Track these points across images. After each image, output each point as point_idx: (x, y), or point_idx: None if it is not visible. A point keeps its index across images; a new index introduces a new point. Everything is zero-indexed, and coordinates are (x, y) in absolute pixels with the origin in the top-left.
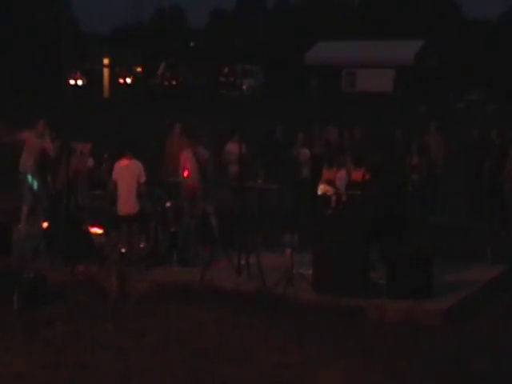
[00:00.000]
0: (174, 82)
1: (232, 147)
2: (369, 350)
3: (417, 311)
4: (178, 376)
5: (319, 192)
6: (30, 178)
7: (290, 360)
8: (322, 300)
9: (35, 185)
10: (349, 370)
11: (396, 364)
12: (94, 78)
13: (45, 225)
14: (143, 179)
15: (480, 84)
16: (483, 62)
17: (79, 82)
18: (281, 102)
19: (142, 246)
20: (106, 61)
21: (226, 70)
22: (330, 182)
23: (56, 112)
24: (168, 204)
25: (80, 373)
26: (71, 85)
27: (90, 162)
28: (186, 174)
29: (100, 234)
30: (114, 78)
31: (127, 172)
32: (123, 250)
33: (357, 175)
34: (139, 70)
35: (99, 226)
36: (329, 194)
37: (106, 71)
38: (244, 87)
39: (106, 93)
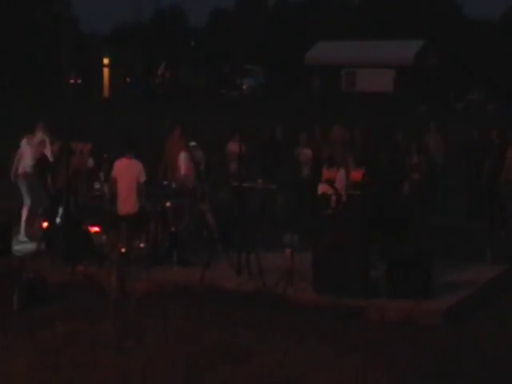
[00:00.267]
0: (173, 82)
1: (233, 147)
2: (369, 349)
3: (417, 311)
4: (178, 376)
5: (319, 192)
6: (29, 177)
7: (290, 360)
8: (322, 300)
9: (35, 185)
10: (349, 370)
11: (396, 364)
12: (93, 78)
13: (45, 225)
14: (143, 179)
15: (480, 84)
16: (483, 62)
17: (79, 81)
18: (281, 102)
19: (141, 245)
20: (106, 61)
21: (225, 69)
22: (330, 182)
23: (56, 112)
24: (168, 204)
25: (80, 373)
26: (71, 85)
27: (90, 161)
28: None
29: (100, 234)
30: (114, 77)
31: (127, 172)
32: (123, 250)
33: (357, 175)
34: (139, 69)
35: (99, 226)
36: (329, 193)
37: (105, 71)
38: (244, 87)
39: (106, 93)
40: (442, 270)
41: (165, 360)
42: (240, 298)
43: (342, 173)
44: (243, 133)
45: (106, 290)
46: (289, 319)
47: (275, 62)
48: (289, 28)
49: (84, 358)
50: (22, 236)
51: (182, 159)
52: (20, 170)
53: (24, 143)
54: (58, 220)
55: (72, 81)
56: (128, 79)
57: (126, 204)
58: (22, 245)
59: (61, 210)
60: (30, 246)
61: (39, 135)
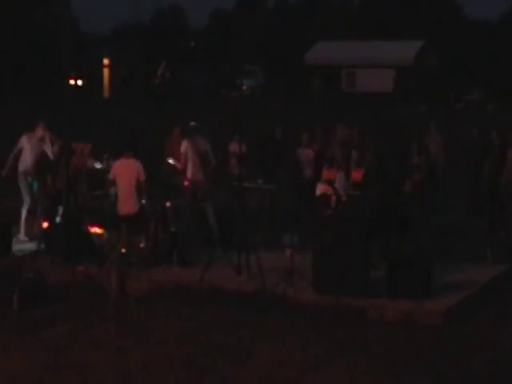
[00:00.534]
0: (173, 82)
1: (234, 147)
2: (369, 349)
3: (417, 311)
4: (178, 376)
5: (318, 192)
6: (29, 177)
7: (290, 360)
8: (322, 300)
9: (34, 185)
10: (349, 370)
11: (396, 364)
12: (93, 78)
13: (45, 225)
14: (142, 179)
15: (480, 84)
16: (483, 62)
17: (79, 82)
18: (281, 102)
19: (142, 245)
20: (106, 61)
21: (225, 69)
22: (330, 182)
23: (56, 112)
24: (168, 204)
25: (80, 373)
26: (71, 85)
27: (90, 162)
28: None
29: (100, 234)
30: (113, 77)
31: (126, 171)
32: (123, 250)
33: (357, 175)
34: (139, 69)
35: (99, 226)
36: (329, 193)
37: (105, 71)
38: (244, 87)
39: (106, 93)
40: (441, 270)
41: (165, 360)
42: (240, 297)
43: (341, 174)
44: (243, 133)
45: (106, 289)
46: (289, 319)
47: (275, 62)
48: (289, 28)
49: (84, 358)
50: (21, 235)
51: (183, 149)
52: (20, 168)
53: (24, 140)
54: (57, 220)
55: (72, 81)
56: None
57: (126, 204)
58: (22, 244)
59: (61, 210)
60: (30, 246)
61: (39, 132)
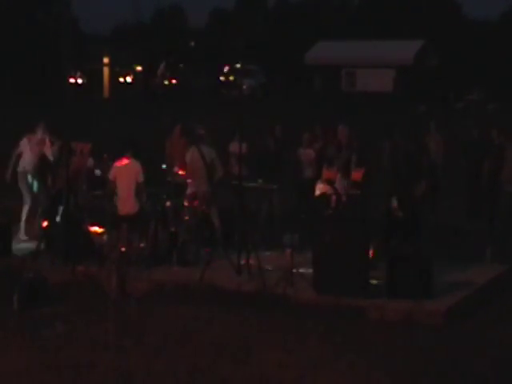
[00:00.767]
0: (173, 82)
1: (234, 147)
2: (369, 349)
3: (417, 311)
4: (178, 376)
5: (317, 192)
6: (29, 177)
7: (290, 360)
8: (322, 300)
9: (35, 185)
10: (349, 370)
11: (396, 364)
12: (94, 78)
13: (45, 225)
14: (141, 180)
15: (480, 84)
16: (483, 62)
17: (79, 81)
18: (281, 102)
19: (142, 245)
20: (106, 60)
21: (225, 69)
22: (330, 182)
23: (56, 112)
24: (168, 204)
25: (80, 373)
26: (71, 84)
27: (90, 161)
28: (181, 171)
29: (100, 234)
30: (114, 77)
31: (126, 172)
32: (123, 250)
33: (357, 175)
34: (139, 69)
35: (99, 226)
36: (328, 193)
37: (106, 70)
38: (244, 87)
39: (106, 92)
40: (441, 270)
41: (165, 360)
42: (240, 297)
43: (341, 174)
44: (244, 133)
45: (106, 289)
46: (289, 319)
47: (275, 62)
48: (289, 28)
49: (84, 358)
50: (22, 235)
51: (189, 156)
52: (19, 169)
53: (24, 142)
54: (57, 219)
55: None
56: (128, 79)
57: (126, 204)
58: (22, 244)
59: (61, 210)
60: (30, 246)
61: (39, 134)
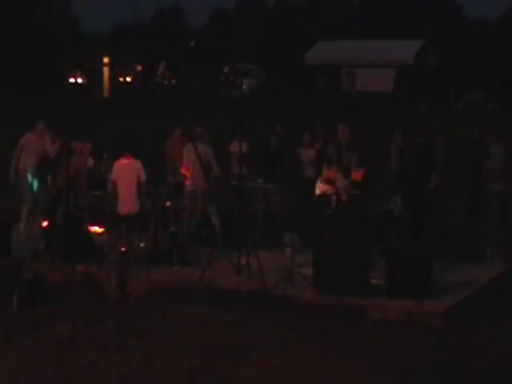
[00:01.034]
0: (173, 82)
1: (235, 147)
2: (369, 349)
3: (417, 311)
4: (178, 376)
5: (317, 191)
6: (29, 177)
7: (290, 360)
8: (323, 300)
9: (35, 185)
10: (349, 370)
11: (396, 364)
12: (93, 77)
13: (45, 225)
14: (143, 178)
15: (480, 84)
16: (483, 62)
17: (79, 81)
18: (282, 102)
19: (141, 245)
20: (106, 60)
21: (225, 69)
22: (330, 182)
23: (56, 111)
24: (168, 203)
25: (80, 373)
26: (71, 84)
27: (90, 161)
28: (184, 171)
29: (100, 234)
30: (114, 77)
31: (127, 171)
32: (123, 250)
33: (357, 175)
34: (139, 69)
35: (99, 226)
36: (328, 193)
37: (106, 70)
38: (244, 87)
39: (106, 92)
40: (441, 270)
41: (165, 360)
42: (240, 297)
43: (341, 173)
44: (244, 133)
45: (106, 289)
46: (289, 319)
47: (275, 62)
48: (289, 28)
49: (84, 358)
50: (21, 234)
51: (186, 155)
52: (20, 167)
53: (24, 140)
54: (57, 219)
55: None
56: (128, 79)
57: (126, 204)
58: (22, 244)
59: (61, 210)
60: (30, 246)
61: (39, 130)
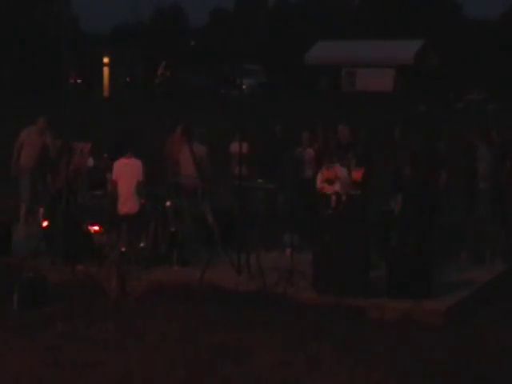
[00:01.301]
0: (173, 82)
1: (235, 147)
2: (369, 349)
3: (417, 311)
4: (178, 376)
5: (318, 183)
6: (29, 175)
7: (290, 360)
8: (323, 300)
9: (39, 186)
10: (349, 370)
11: (396, 363)
12: (93, 77)
13: (45, 225)
14: (141, 179)
15: (480, 84)
16: (483, 62)
17: (79, 81)
18: (282, 102)
19: (142, 245)
20: (105, 60)
21: (225, 69)
22: (330, 182)
23: (56, 111)
24: (168, 204)
25: (80, 372)
26: (71, 84)
27: (90, 161)
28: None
29: (100, 234)
30: (113, 77)
31: (127, 171)
32: (123, 250)
33: (357, 175)
34: (139, 69)
35: (99, 226)
36: (328, 193)
37: (105, 70)
38: (244, 87)
39: (106, 92)
40: (441, 270)
41: (165, 360)
42: (240, 297)
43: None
44: (244, 133)
45: (106, 290)
46: (289, 319)
47: (275, 62)
48: (289, 28)
49: (84, 358)
50: (21, 233)
51: (182, 155)
52: (22, 164)
53: (25, 134)
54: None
55: (72, 80)
56: (128, 79)
57: (127, 204)
58: (22, 244)
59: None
60: (30, 245)
61: (40, 124)
